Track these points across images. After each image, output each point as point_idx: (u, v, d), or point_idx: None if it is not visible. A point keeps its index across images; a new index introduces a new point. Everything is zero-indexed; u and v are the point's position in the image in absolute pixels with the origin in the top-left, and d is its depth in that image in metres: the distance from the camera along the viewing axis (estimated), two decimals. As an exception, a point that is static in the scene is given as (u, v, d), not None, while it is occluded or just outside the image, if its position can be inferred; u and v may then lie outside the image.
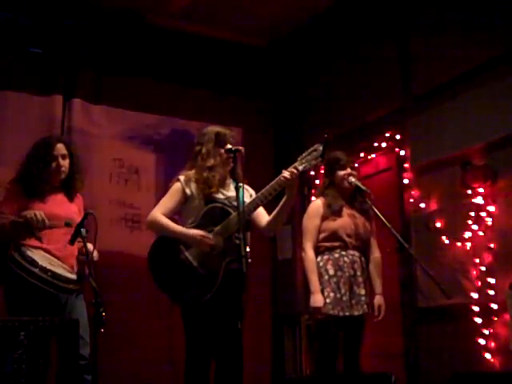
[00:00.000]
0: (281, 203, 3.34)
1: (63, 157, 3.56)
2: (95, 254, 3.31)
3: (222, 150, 3.36)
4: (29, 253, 3.34)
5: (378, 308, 3.90)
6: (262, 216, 3.43)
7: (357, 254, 3.90)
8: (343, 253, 3.87)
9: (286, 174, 3.21)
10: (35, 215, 3.30)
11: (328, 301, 3.78)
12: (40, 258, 3.35)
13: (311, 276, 3.84)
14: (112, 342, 4.24)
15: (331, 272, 3.83)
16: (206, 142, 3.42)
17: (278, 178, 3.23)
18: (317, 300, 3.77)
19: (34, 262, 3.31)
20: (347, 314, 3.78)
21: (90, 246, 3.20)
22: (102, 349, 2.95)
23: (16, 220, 3.31)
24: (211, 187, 3.33)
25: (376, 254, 4.02)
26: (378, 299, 3.91)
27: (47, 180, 3.52)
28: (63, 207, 3.55)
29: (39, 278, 3.30)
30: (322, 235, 3.92)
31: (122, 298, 4.86)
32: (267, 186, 3.25)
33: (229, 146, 3.27)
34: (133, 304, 5.02)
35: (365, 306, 3.84)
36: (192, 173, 3.42)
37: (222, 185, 3.39)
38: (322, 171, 4.39)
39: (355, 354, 3.87)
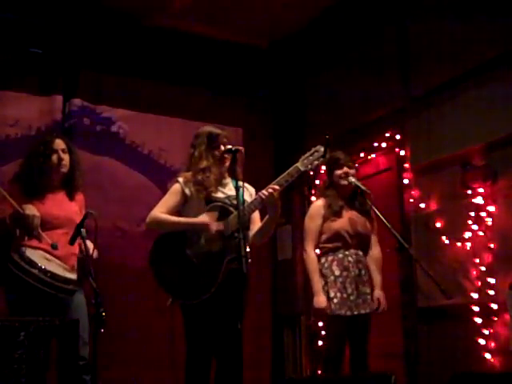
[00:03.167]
0: (264, 221, 3.37)
1: (63, 151, 3.55)
2: (95, 253, 3.31)
3: (217, 152, 3.37)
4: (28, 253, 3.31)
5: (378, 300, 3.89)
6: (255, 224, 3.45)
7: (360, 252, 3.91)
8: (347, 252, 3.88)
9: (267, 190, 3.21)
10: (33, 218, 3.30)
11: (335, 301, 3.77)
12: (39, 258, 3.33)
13: (314, 276, 3.83)
14: (112, 342, 4.25)
15: (337, 272, 3.83)
16: (198, 144, 3.44)
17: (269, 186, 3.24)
18: (320, 301, 3.77)
19: (32, 263, 3.28)
20: (355, 313, 3.78)
21: (89, 245, 3.19)
22: (102, 349, 2.95)
23: (17, 211, 3.29)
24: (208, 188, 3.33)
25: (375, 250, 4.03)
26: (378, 292, 3.90)
27: (48, 175, 3.51)
28: (63, 207, 3.54)
29: (38, 279, 3.27)
30: (324, 236, 3.93)
31: (122, 298, 4.87)
32: (267, 187, 3.25)
33: (229, 146, 3.27)
34: (133, 304, 5.02)
35: (372, 304, 3.86)
36: (189, 174, 3.42)
37: (220, 184, 3.40)
38: (322, 172, 4.38)
39: (363, 354, 3.87)
